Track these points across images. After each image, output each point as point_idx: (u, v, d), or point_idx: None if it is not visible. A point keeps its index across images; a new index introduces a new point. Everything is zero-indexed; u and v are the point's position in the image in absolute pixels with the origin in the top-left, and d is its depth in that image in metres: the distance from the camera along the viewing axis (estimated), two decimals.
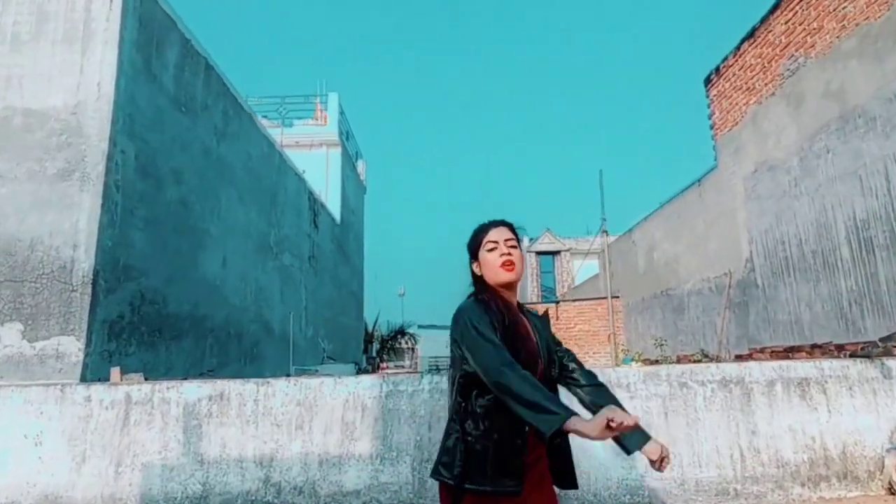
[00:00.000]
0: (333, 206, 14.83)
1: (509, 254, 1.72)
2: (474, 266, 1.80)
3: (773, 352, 7.73)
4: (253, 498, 4.07)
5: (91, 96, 5.05)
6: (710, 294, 9.76)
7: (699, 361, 9.17)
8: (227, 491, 4.09)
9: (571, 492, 4.03)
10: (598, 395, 1.74)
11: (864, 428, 4.25)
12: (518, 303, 1.83)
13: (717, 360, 8.92)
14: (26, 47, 5.19)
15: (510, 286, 1.76)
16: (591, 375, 1.81)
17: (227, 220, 7.48)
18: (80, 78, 5.09)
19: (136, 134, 5.41)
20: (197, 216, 6.63)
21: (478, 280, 1.79)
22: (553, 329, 1.98)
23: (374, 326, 23.01)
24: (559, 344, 1.90)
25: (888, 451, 4.18)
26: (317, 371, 9.27)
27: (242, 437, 4.19)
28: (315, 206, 12.44)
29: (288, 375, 8.13)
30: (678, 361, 9.88)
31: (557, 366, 1.82)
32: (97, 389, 4.29)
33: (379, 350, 22.83)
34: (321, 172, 15.34)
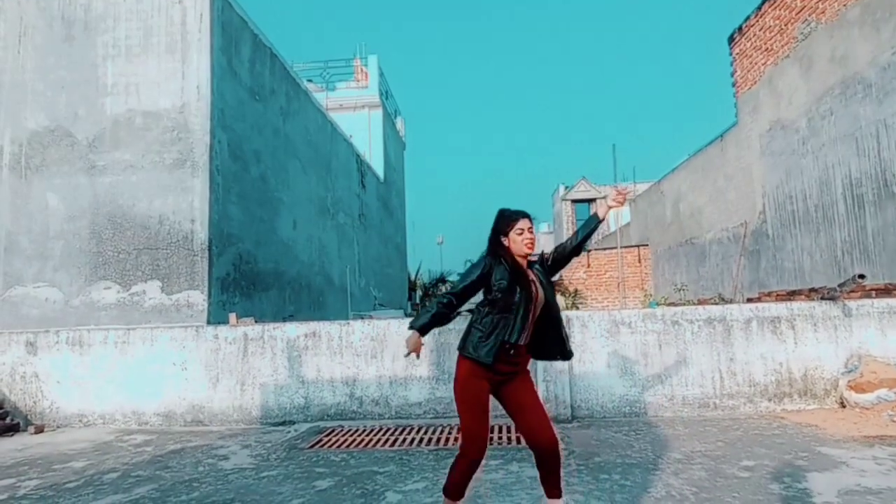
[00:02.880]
0: (377, 164, 15.94)
1: (532, 238, 2.60)
2: (504, 239, 2.59)
3: (778, 295, 8.61)
4: (342, 408, 5.45)
5: (192, 98, 6.23)
6: (729, 243, 10.56)
7: (716, 305, 10.10)
8: (323, 403, 5.48)
9: (584, 402, 5.25)
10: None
11: (824, 356, 5.25)
12: (528, 261, 2.68)
13: (731, 302, 9.83)
14: (138, 59, 6.37)
15: (526, 256, 2.64)
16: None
17: (294, 189, 8.72)
18: (182, 83, 6.26)
19: (226, 125, 6.60)
20: (272, 188, 7.88)
21: (500, 246, 2.60)
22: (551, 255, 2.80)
23: (416, 275, 24.49)
24: (550, 262, 2.77)
25: (842, 374, 5.18)
26: (371, 316, 10.68)
27: (332, 364, 5.54)
28: (362, 168, 13.59)
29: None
30: (699, 304, 10.83)
31: (554, 267, 2.72)
32: (222, 329, 5.69)
33: (422, 297, 24.38)
34: (364, 133, 16.40)
